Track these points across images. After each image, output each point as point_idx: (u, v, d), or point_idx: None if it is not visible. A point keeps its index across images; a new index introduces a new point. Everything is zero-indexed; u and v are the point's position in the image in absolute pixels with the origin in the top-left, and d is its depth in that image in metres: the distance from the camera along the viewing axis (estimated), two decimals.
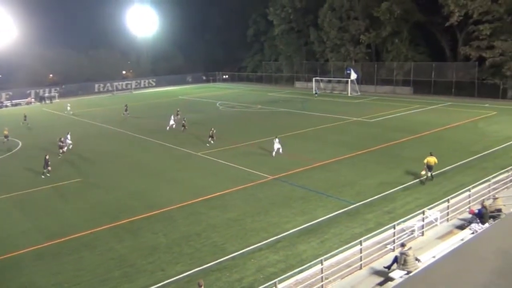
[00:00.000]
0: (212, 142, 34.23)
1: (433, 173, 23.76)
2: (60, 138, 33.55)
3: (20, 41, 74.59)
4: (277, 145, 30.29)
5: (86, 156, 32.76)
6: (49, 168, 27.63)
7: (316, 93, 65.50)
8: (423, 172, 23.51)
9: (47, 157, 27.73)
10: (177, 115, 44.06)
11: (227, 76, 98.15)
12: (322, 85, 70.08)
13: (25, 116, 48.16)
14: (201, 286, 12.68)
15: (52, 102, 71.41)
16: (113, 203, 22.62)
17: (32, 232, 19.38)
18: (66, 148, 33.57)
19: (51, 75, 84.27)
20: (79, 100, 72.83)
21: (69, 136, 35.30)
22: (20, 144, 38.09)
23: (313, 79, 70.31)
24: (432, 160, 23.45)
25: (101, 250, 17.28)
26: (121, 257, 16.63)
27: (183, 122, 40.43)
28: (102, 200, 23.14)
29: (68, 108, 56.63)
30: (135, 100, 68.05)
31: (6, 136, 38.56)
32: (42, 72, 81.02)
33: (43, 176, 27.48)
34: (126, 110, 51.56)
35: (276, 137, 30.87)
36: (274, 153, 30.19)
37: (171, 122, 41.55)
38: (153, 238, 18.14)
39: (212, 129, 34.96)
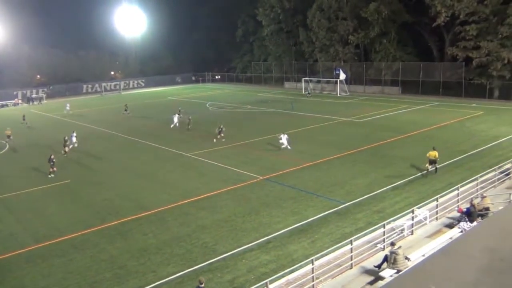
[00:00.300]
0: (221, 139, 34.83)
1: (425, 171, 24.44)
2: (65, 137, 33.65)
3: (6, 42, 73.82)
4: (284, 141, 31.19)
5: (75, 158, 32.52)
6: (55, 169, 27.46)
7: (308, 93, 65.86)
8: (427, 166, 24.56)
9: (52, 157, 27.61)
10: (179, 113, 44.12)
11: (219, 77, 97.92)
12: (311, 85, 70.31)
13: (23, 116, 48.33)
14: (202, 283, 12.74)
15: (41, 103, 70.68)
16: (103, 204, 22.50)
17: (22, 234, 19.22)
18: (70, 147, 33.48)
19: (38, 76, 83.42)
20: (67, 101, 72.07)
21: (74, 134, 35.55)
22: (8, 146, 37.68)
23: (303, 79, 70.51)
24: (433, 154, 24.55)
25: (91, 252, 17.19)
26: (111, 259, 16.57)
27: (189, 120, 40.72)
28: (92, 201, 23.01)
29: (68, 107, 56.20)
30: (124, 101, 67.61)
31: (8, 136, 38.61)
32: (29, 73, 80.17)
33: (49, 176, 27.37)
34: (126, 109, 51.69)
35: (283, 133, 31.73)
36: (287, 146, 31.22)
37: (175, 120, 41.72)
38: (144, 239, 18.10)
39: (221, 126, 35.38)
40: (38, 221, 20.66)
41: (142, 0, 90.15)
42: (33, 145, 37.35)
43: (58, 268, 16.07)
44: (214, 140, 34.61)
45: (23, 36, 74.56)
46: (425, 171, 24.62)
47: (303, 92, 67.64)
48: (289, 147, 31.38)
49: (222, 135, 35.06)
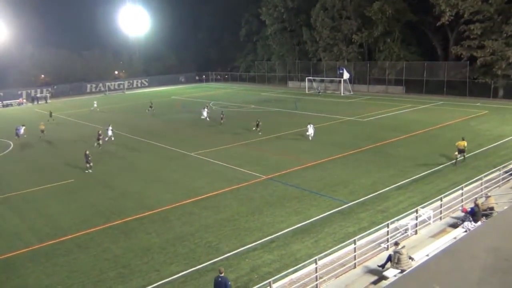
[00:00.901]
0: (259, 132, 36.99)
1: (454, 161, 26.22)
2: (99, 131, 35.40)
3: (10, 41, 74.07)
4: (311, 130, 33.92)
5: (79, 157, 32.59)
6: (91, 164, 28.18)
7: (318, 91, 66.17)
8: (456, 153, 26.14)
9: (87, 152, 28.33)
10: (207, 108, 46.83)
11: (227, 76, 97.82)
12: (315, 84, 70.27)
13: (50, 113, 50.07)
14: (221, 273, 12.94)
15: (47, 102, 71.11)
16: (106, 203, 22.53)
17: (26, 233, 19.27)
18: (102, 140, 35.09)
19: (42, 76, 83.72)
20: (71, 100, 72.44)
21: (110, 128, 37.67)
22: (12, 145, 37.83)
23: (306, 78, 70.53)
24: (462, 143, 26.12)
25: (95, 251, 17.22)
26: (115, 258, 16.59)
27: (221, 115, 42.97)
28: (96, 200, 23.05)
29: (95, 105, 57.97)
30: (128, 100, 67.82)
31: (42, 131, 40.06)
32: (34, 72, 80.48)
33: (86, 171, 28.07)
34: (151, 106, 53.28)
35: (309, 124, 34.44)
36: (310, 137, 33.93)
37: (205, 114, 44.87)
38: (147, 239, 18.11)
39: (258, 120, 38.02)
40: (42, 220, 20.72)
41: None
42: (31, 145, 37.58)
43: (62, 267, 16.11)
44: (259, 133, 36.95)
45: (27, 36, 74.82)
46: (454, 160, 26.11)
47: (307, 91, 67.64)
48: (310, 138, 33.80)
49: (259, 128, 37.26)
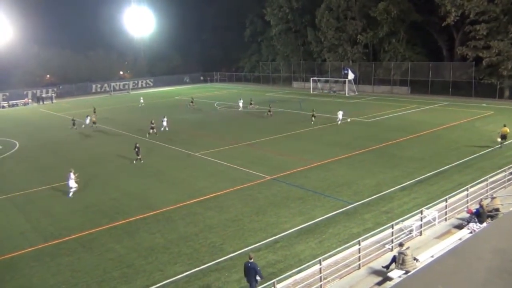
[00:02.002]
0: (314, 120, 40.72)
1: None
2: (151, 120, 38.27)
3: (16, 42, 74.58)
4: (340, 116, 39.58)
5: (83, 157, 32.72)
6: (139, 156, 29.63)
7: (334, 92, 66.38)
8: (499, 139, 29.08)
9: (137, 145, 29.72)
10: (251, 104, 52.61)
11: (241, 76, 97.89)
12: (319, 85, 70.18)
13: (94, 109, 51.42)
14: (251, 258, 13.33)
15: (52, 102, 71.72)
16: (110, 203, 22.58)
17: (31, 233, 19.34)
18: (156, 129, 38.03)
19: (48, 76, 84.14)
20: (77, 100, 72.69)
21: (165, 119, 40.51)
22: (18, 144, 38.02)
23: (311, 79, 70.45)
24: (505, 130, 28.91)
25: (99, 250, 17.25)
26: (119, 258, 16.61)
27: (269, 108, 46.56)
28: (100, 200, 23.09)
29: (141, 100, 61.39)
30: (132, 100, 67.92)
31: (94, 122, 44.76)
32: (39, 72, 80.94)
33: (134, 162, 29.79)
34: (192, 102, 56.63)
35: (340, 110, 40.34)
36: (339, 122, 39.68)
37: (240, 105, 51.30)
38: (151, 239, 18.12)
39: (314, 109, 42.08)
40: (47, 220, 20.78)
41: (150, 0, 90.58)
42: (36, 145, 37.72)
43: (66, 266, 16.14)
44: (312, 122, 40.56)
45: (32, 36, 75.31)
46: (500, 144, 29.07)
47: (311, 92, 67.56)
48: (339, 122, 39.34)
49: (314, 118, 40.81)
